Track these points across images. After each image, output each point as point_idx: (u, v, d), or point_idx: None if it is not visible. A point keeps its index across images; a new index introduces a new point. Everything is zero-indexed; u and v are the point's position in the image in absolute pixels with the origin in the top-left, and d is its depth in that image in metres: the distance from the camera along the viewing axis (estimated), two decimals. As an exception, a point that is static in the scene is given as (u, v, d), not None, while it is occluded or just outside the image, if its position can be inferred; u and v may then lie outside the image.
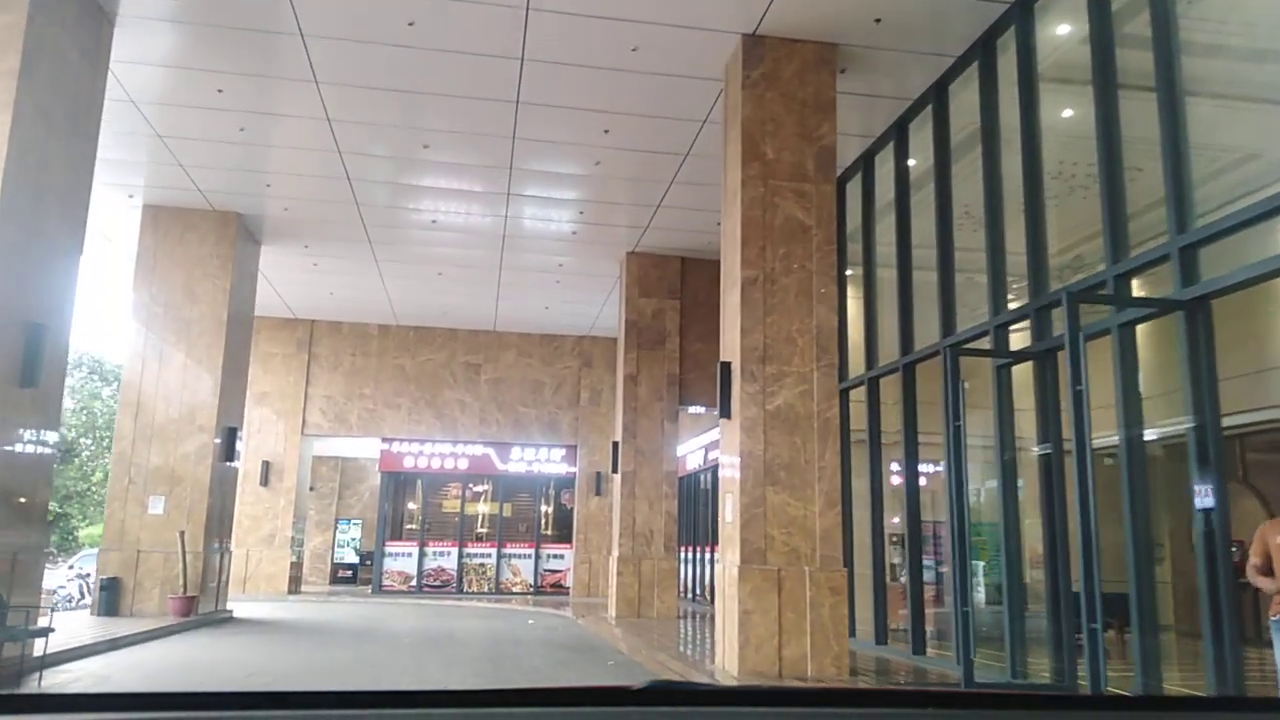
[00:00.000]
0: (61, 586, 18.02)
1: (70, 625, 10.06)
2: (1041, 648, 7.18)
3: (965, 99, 8.46)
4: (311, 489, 21.51)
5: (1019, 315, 7.24)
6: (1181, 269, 5.59)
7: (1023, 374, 7.38)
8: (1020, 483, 7.37)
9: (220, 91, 9.03)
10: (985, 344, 7.58)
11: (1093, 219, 7.35)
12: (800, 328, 7.53)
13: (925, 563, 9.67)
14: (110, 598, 11.02)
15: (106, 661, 8.03)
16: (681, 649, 9.59)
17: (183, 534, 11.10)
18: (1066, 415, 6.78)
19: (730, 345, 7.70)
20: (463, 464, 18.59)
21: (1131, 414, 5.93)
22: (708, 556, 16.56)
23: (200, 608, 11.52)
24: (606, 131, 9.65)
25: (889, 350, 9.51)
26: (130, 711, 0.90)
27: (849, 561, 8.29)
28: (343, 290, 15.96)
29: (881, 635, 9.34)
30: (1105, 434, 9.14)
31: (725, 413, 7.60)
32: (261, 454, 17.24)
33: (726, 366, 7.65)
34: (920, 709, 1.03)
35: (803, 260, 7.64)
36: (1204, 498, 5.31)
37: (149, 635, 9.65)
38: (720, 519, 7.80)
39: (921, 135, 9.19)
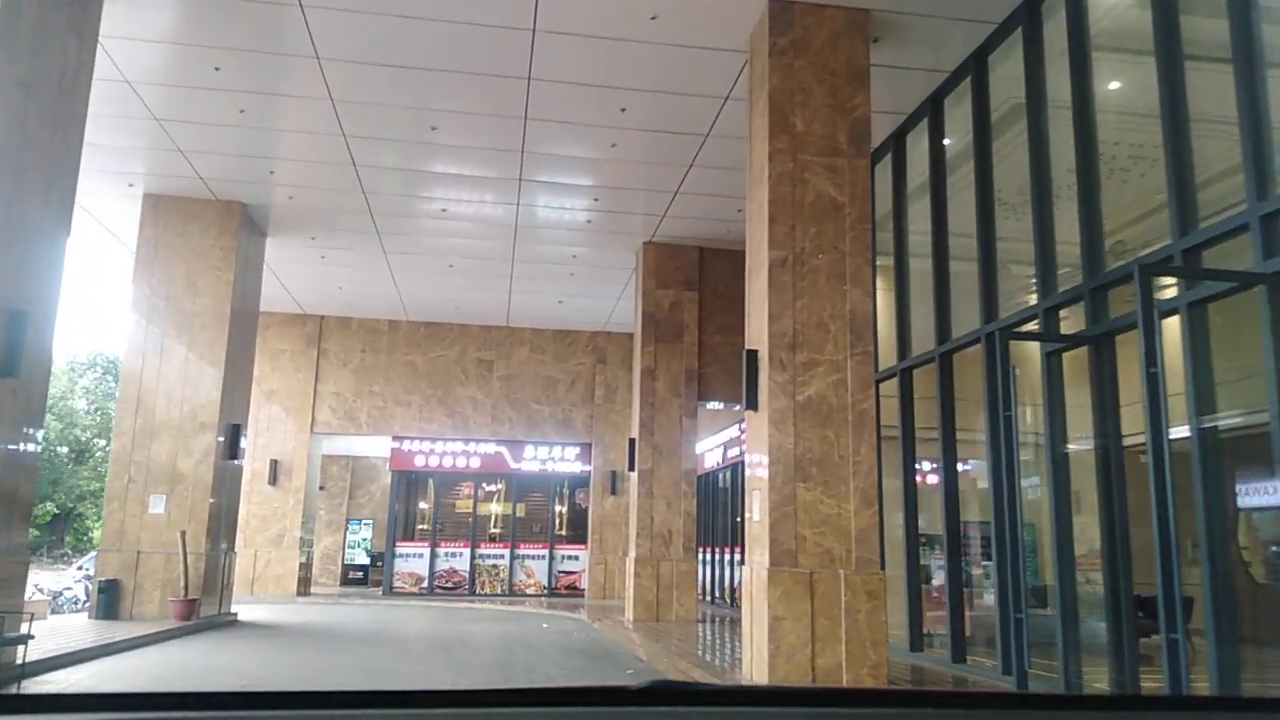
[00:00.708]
0: (68, 588, 17.72)
1: (65, 629, 9.67)
2: (1095, 655, 6.64)
3: (1006, 71, 7.93)
4: (322, 488, 21.16)
5: (1071, 297, 6.69)
6: (1263, 239, 5.04)
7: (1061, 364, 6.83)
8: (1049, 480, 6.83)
9: (217, 70, 8.60)
10: (1030, 332, 7.03)
11: (1133, 203, 6.82)
12: (833, 312, 7.02)
13: (936, 563, 9.15)
14: (109, 600, 10.62)
15: (96, 670, 7.60)
16: (705, 656, 9.08)
17: (184, 534, 10.69)
18: (1115, 405, 6.25)
19: (757, 332, 7.19)
20: (475, 463, 18.15)
21: (1204, 401, 5.38)
22: (727, 558, 16.04)
23: (203, 611, 11.10)
24: (623, 110, 9.16)
25: (922, 340, 8.98)
26: (130, 711, 0.90)
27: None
28: (352, 284, 15.54)
29: (916, 642, 8.81)
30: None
31: (752, 404, 7.09)
32: (270, 452, 16.86)
33: (753, 355, 7.14)
34: (920, 709, 1.02)
35: (835, 240, 7.12)
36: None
37: (146, 640, 9.23)
38: (746, 518, 7.29)
39: (958, 111, 8.66)
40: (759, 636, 6.71)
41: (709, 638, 10.85)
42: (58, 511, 37.39)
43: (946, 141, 8.83)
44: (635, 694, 0.97)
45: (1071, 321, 6.91)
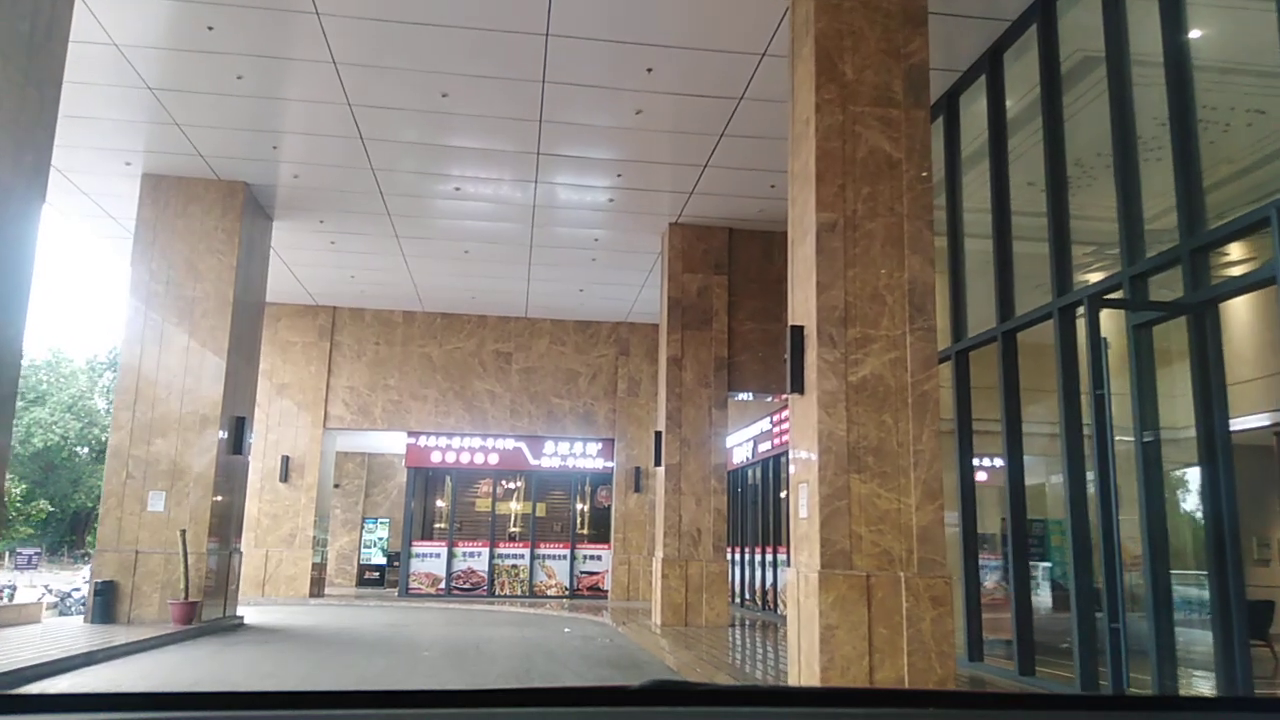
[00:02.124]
0: (77, 588, 17.22)
1: (55, 633, 9.07)
2: (1186, 664, 5.82)
3: (1076, 19, 7.11)
4: (337, 486, 20.58)
5: (1165, 261, 5.86)
6: None
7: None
8: (1088, 473, 6.01)
9: (211, 29, 7.94)
10: (1124, 299, 6.21)
11: (1242, 154, 5.99)
12: (889, 282, 6.23)
13: (991, 564, 8.35)
14: (105, 603, 10.01)
15: (74, 682, 6.94)
16: (743, 666, 8.32)
17: (184, 533, 10.06)
18: (1221, 382, 5.42)
19: (802, 305, 6.41)
20: (493, 459, 17.47)
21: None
22: (758, 558, 15.25)
23: (206, 613, 10.48)
24: (650, 70, 8.41)
25: (980, 318, 8.16)
26: (130, 711, 0.90)
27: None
28: (364, 273, 14.91)
29: (976, 651, 8.00)
30: (1246, 415, 7.72)
31: (797, 386, 6.32)
32: (281, 449, 16.27)
33: (798, 331, 6.37)
34: (920, 709, 1.03)
35: (891, 201, 6.33)
36: None
37: (138, 646, 8.58)
38: (791, 514, 6.52)
39: (1020, 65, 7.83)
40: (808, 648, 5.94)
41: (745, 645, 10.08)
42: (76, 510, 37.23)
43: (1009, 100, 8.01)
44: (635, 694, 0.97)
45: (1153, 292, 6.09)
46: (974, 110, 8.49)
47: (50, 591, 17.93)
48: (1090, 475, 6.51)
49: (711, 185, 11.01)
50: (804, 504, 6.18)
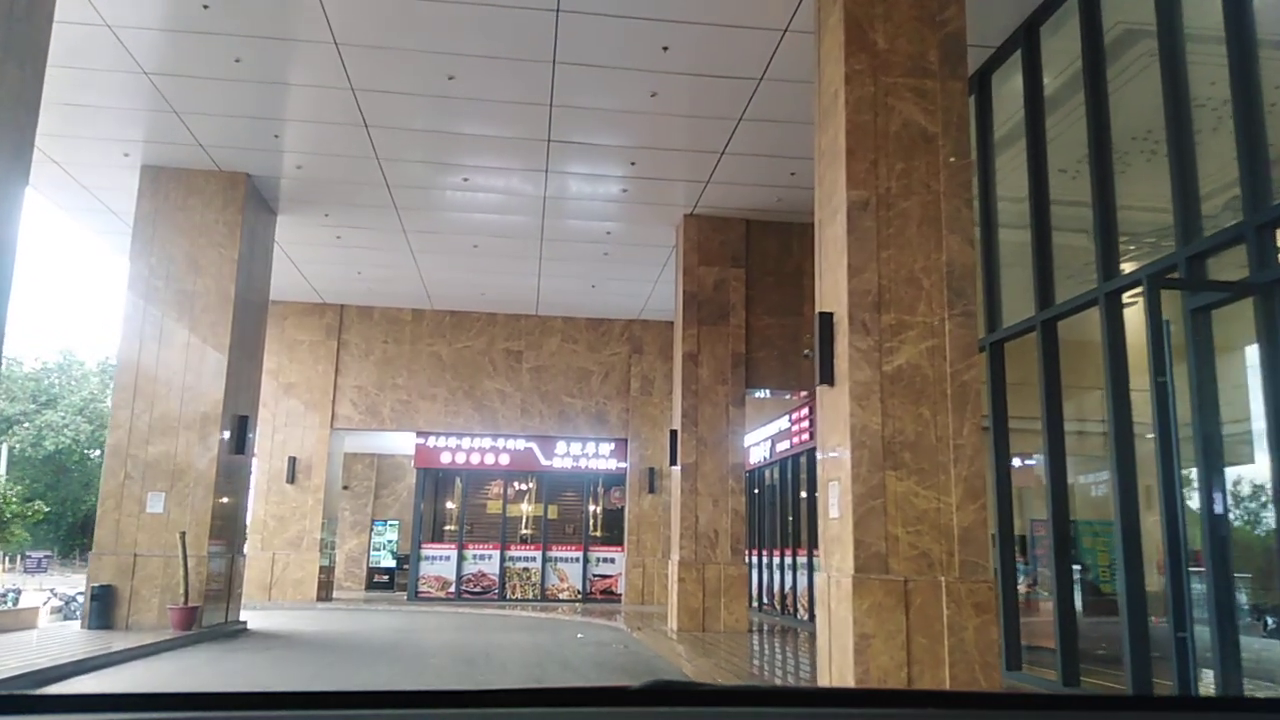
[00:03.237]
0: (81, 593, 16.93)
1: (48, 639, 8.73)
2: (1253, 675, 5.37)
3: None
4: (346, 488, 20.26)
5: (1226, 239, 5.42)
6: None
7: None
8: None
9: (206, 8, 7.59)
10: (1184, 279, 5.76)
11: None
12: (926, 265, 5.80)
13: (1021, 567, 7.89)
14: (102, 608, 9.67)
15: (58, 691, 6.58)
16: (768, 675, 7.89)
17: (183, 535, 9.71)
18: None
19: (832, 291, 5.99)
20: (504, 459, 17.09)
21: None
22: (776, 561, 14.81)
23: (207, 619, 10.14)
24: (665, 49, 8.01)
25: (1016, 308, 7.72)
26: (130, 712, 0.90)
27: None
28: (371, 269, 14.56)
29: (1013, 659, 7.54)
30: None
31: (826, 378, 5.90)
32: (288, 449, 15.94)
33: (827, 319, 5.95)
34: (920, 709, 1.03)
35: (927, 178, 5.90)
36: None
37: (132, 654, 8.23)
38: (820, 515, 6.09)
39: (1058, 40, 7.39)
40: (841, 658, 5.52)
41: (767, 652, 9.65)
42: (88, 513, 37.07)
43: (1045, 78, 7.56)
44: (635, 694, 0.97)
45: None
46: (1008, 88, 8.05)
47: (56, 595, 17.65)
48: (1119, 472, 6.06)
49: (729, 173, 10.60)
50: (835, 503, 5.75)
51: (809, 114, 9.00)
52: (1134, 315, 6.36)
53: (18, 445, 36.06)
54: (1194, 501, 5.47)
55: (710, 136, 9.70)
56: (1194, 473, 5.51)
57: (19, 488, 24.58)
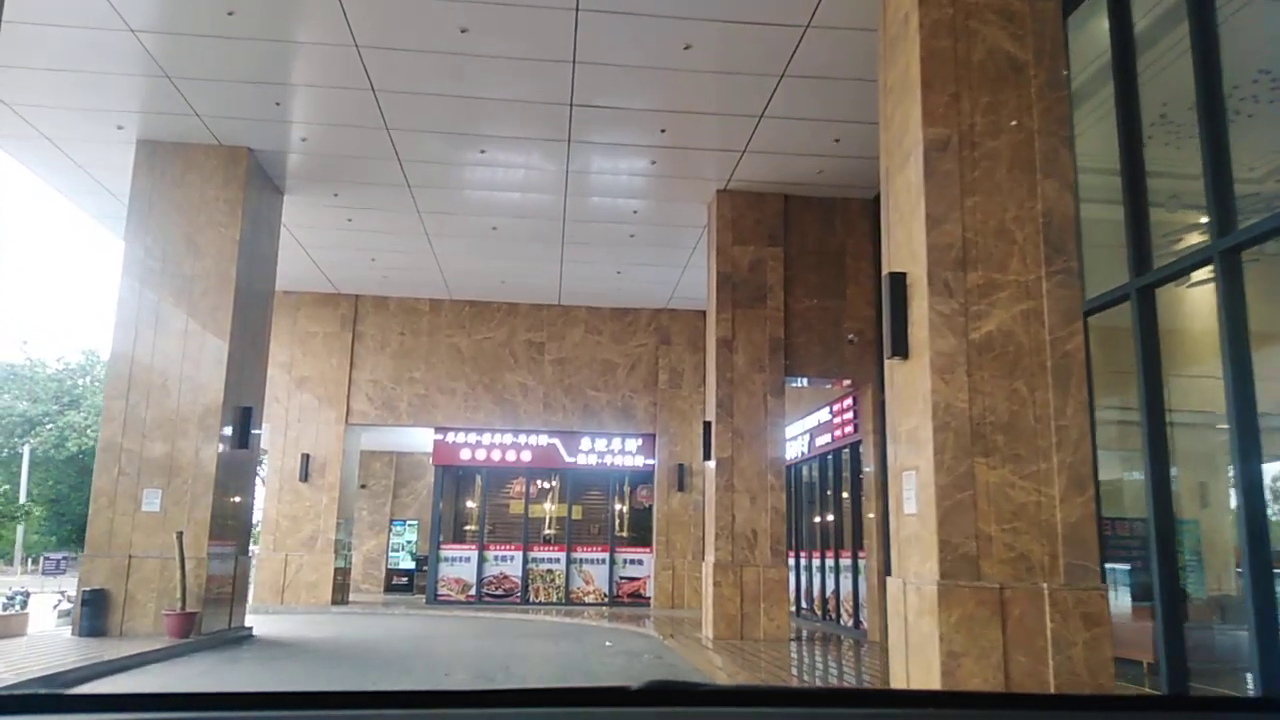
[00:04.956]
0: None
1: (30, 650, 8.03)
2: None
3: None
4: (363, 487, 19.58)
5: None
6: None
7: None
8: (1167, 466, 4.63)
9: (192, -50, 6.84)
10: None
11: None
12: (1019, 214, 4.92)
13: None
14: (94, 614, 8.98)
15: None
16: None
17: (180, 535, 8.99)
18: None
19: (905, 246, 5.12)
20: (525, 456, 16.31)
21: None
22: (815, 563, 13.90)
23: (209, 625, 9.42)
24: (701, -9, 7.16)
25: (1104, 274, 6.79)
26: (131, 712, 0.91)
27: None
28: (386, 255, 13.83)
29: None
30: None
31: (899, 349, 5.03)
32: (301, 446, 15.25)
33: (899, 280, 5.08)
34: (920, 709, 1.02)
35: (1017, 113, 5.02)
36: None
37: (119, 664, 7.50)
38: (892, 511, 5.21)
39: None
40: (923, 680, 4.64)
41: (817, 665, 8.77)
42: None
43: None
44: (635, 694, 0.97)
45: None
46: (1091, 29, 7.12)
47: (67, 598, 17.10)
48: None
49: (767, 140, 9.73)
50: (912, 496, 4.88)
51: (860, 67, 8.13)
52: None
53: (40, 447, 35.86)
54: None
55: (748, 96, 8.83)
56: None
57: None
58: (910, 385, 4.97)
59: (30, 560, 35.71)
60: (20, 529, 34.37)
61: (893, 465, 5.24)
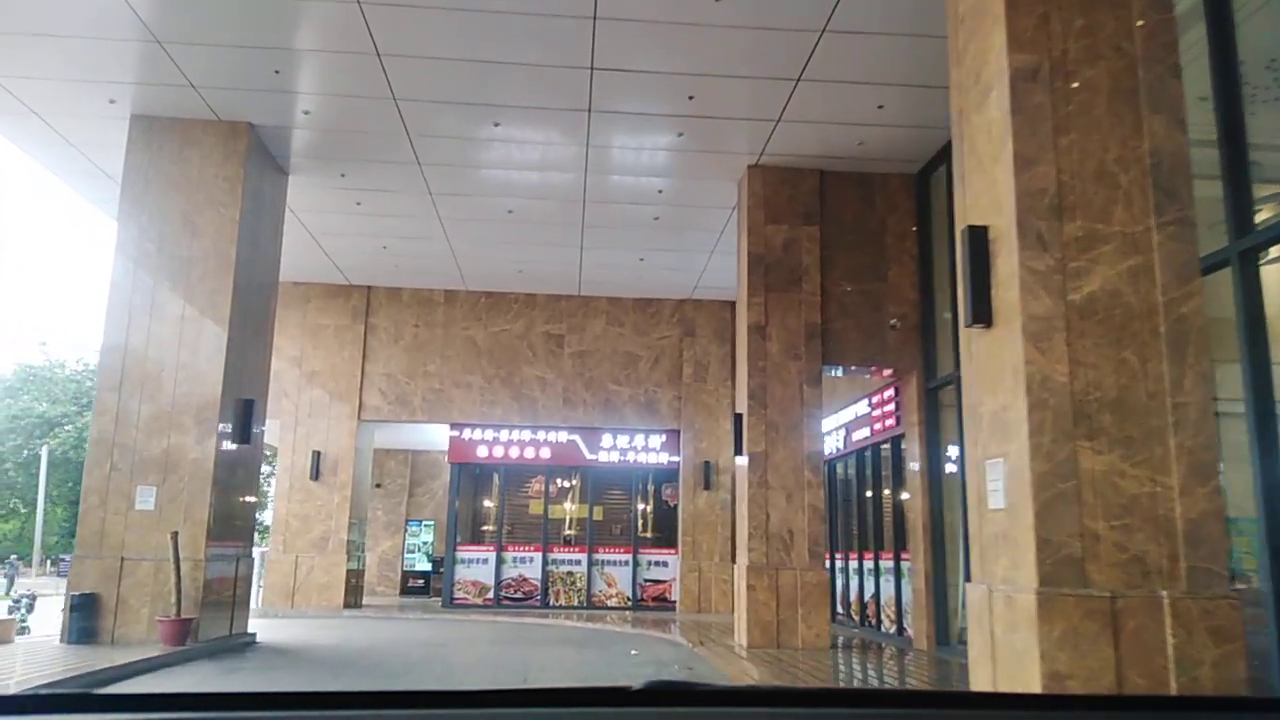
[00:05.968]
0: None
1: (13, 658, 7.43)
2: None
3: None
4: (379, 485, 19.03)
5: None
6: None
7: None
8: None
9: (175, -110, 6.21)
10: None
11: None
12: (1122, 154, 4.17)
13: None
14: (84, 620, 8.39)
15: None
16: None
17: (175, 535, 8.39)
18: None
19: (987, 195, 4.38)
20: (545, 453, 15.65)
21: None
22: (853, 565, 13.13)
23: (208, 631, 8.81)
24: (736, -71, 6.45)
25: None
26: (131, 712, 0.90)
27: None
28: (398, 242, 13.22)
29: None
30: None
31: (981, 315, 4.29)
32: (311, 443, 14.66)
33: (979, 234, 4.34)
34: (920, 709, 1.02)
35: (1116, 38, 4.27)
36: None
37: (106, 676, 6.87)
38: (972, 504, 4.47)
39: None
40: (1017, 706, 3.90)
41: (867, 678, 8.01)
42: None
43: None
44: (636, 694, 0.96)
45: None
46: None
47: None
48: None
49: (803, 108, 8.99)
50: (1000, 488, 4.13)
51: (911, 20, 7.39)
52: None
53: (59, 448, 35.68)
54: None
55: (785, 57, 8.10)
56: None
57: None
58: (996, 358, 4.23)
59: (49, 561, 35.54)
60: (38, 530, 34.21)
61: (971, 454, 4.49)
